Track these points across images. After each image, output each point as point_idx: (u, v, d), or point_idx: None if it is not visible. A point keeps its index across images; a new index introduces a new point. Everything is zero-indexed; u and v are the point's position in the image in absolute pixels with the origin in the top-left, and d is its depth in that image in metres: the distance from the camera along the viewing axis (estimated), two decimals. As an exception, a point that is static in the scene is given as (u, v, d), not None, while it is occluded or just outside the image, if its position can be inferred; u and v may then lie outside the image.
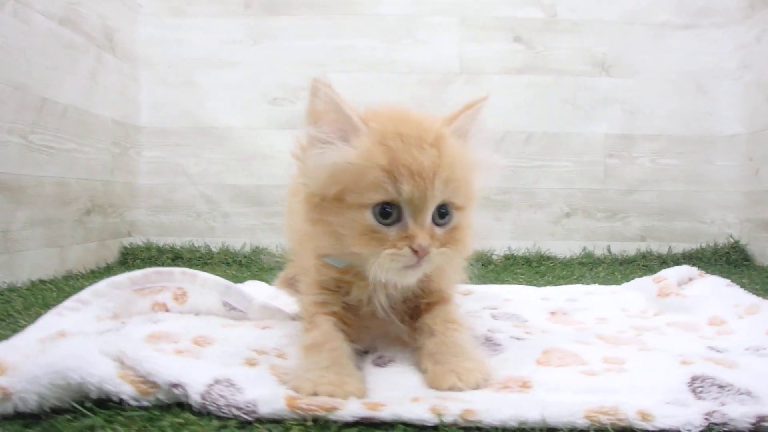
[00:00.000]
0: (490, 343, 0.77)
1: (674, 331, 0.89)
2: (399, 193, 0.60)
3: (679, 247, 1.92)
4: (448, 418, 0.51)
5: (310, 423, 0.52)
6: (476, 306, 1.05)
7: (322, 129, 0.63)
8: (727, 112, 1.90)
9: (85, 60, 1.61)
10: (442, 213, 0.64)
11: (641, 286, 1.17)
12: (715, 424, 0.52)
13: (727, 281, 1.13)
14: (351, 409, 0.53)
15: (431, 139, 0.63)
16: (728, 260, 1.88)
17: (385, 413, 0.52)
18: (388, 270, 0.61)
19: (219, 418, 0.54)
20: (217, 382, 0.56)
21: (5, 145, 1.28)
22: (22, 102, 1.33)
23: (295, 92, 1.91)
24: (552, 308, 1.04)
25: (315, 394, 0.56)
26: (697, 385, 0.58)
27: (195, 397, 0.54)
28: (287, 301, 1.01)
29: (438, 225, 0.64)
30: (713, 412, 0.53)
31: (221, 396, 0.54)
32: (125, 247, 1.87)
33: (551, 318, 0.98)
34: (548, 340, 0.76)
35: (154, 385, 0.56)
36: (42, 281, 1.37)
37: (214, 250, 1.91)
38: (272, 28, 1.91)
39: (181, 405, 0.56)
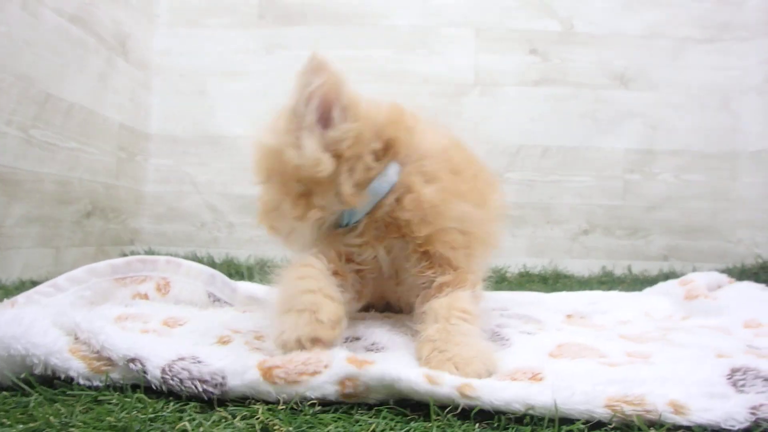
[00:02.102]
0: (497, 337, 0.69)
1: (705, 331, 0.80)
2: None
3: (704, 268, 1.81)
4: (443, 389, 0.44)
5: (281, 407, 0.45)
6: (484, 307, 0.96)
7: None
8: (752, 127, 1.83)
9: (94, 61, 1.61)
10: None
11: (666, 290, 1.08)
12: (764, 419, 0.44)
13: (762, 285, 1.04)
14: (336, 370, 0.46)
15: None
16: (757, 281, 1.76)
17: (374, 371, 0.46)
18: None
19: (177, 399, 0.47)
20: (181, 358, 0.50)
21: (3, 136, 1.26)
22: (25, 94, 1.32)
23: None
24: (569, 310, 0.96)
25: (298, 342, 0.52)
26: (738, 378, 0.50)
27: (154, 372, 0.48)
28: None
29: None
30: (761, 405, 0.45)
31: (184, 370, 0.47)
32: (125, 255, 1.82)
33: (567, 320, 0.90)
34: (563, 336, 0.68)
35: (109, 362, 0.50)
36: (33, 282, 1.32)
37: (217, 261, 1.86)
38: (286, 39, 1.91)
39: (136, 388, 0.49)
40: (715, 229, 1.84)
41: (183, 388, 0.47)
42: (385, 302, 0.85)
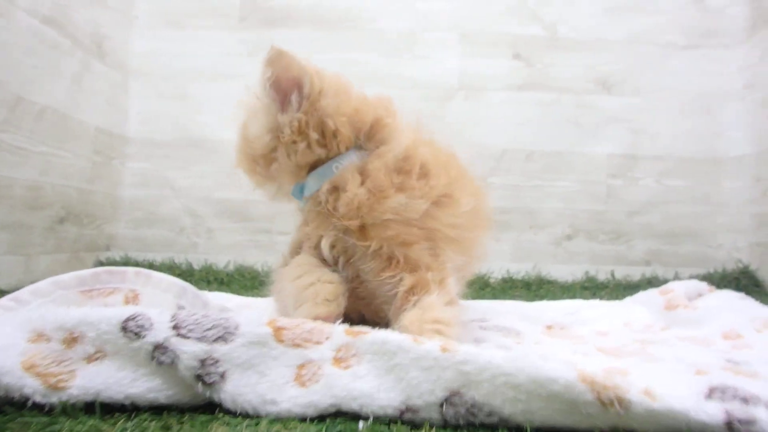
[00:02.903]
0: None
1: (685, 344, 0.79)
2: None
3: (686, 272, 1.83)
4: (426, 346, 0.48)
5: (238, 419, 0.44)
6: (462, 317, 0.95)
7: None
8: (734, 132, 1.85)
9: (69, 63, 1.58)
10: None
11: (646, 300, 1.08)
12: (739, 420, 0.43)
13: (741, 294, 1.04)
14: (335, 340, 0.51)
15: None
16: (738, 286, 1.78)
17: (367, 337, 0.50)
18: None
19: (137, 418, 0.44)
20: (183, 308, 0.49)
21: (-28, 140, 1.22)
22: (-5, 98, 1.28)
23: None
24: (548, 321, 0.95)
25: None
26: (717, 396, 0.49)
27: (160, 325, 0.48)
28: (259, 307, 0.92)
29: None
30: (734, 410, 0.44)
31: (196, 322, 0.48)
32: (101, 262, 1.79)
33: (547, 331, 0.89)
34: (541, 350, 0.67)
35: (68, 375, 0.47)
36: (2, 291, 1.28)
37: (195, 267, 1.83)
38: (269, 41, 1.87)
39: (91, 410, 0.47)
40: (696, 234, 1.86)
41: (190, 337, 0.46)
42: (361, 314, 0.83)
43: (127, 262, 1.81)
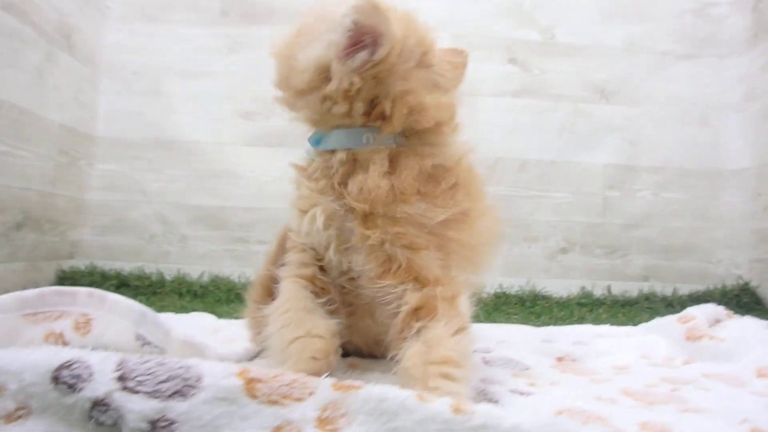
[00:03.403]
0: (483, 398, 0.60)
1: (717, 385, 0.71)
2: None
3: (684, 288, 1.77)
4: (435, 405, 0.40)
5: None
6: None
7: None
8: (734, 144, 1.80)
9: (31, 55, 1.45)
10: None
11: (663, 328, 0.99)
12: None
13: (765, 322, 0.96)
14: (320, 396, 0.42)
15: None
16: (739, 303, 1.73)
17: (361, 393, 0.42)
18: None
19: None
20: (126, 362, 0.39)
21: None
22: (-60, 89, 1.15)
23: (270, 106, 1.76)
24: (558, 353, 0.86)
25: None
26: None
27: (101, 377, 0.38)
28: (230, 336, 0.81)
29: None
30: None
31: (148, 373, 0.38)
32: (63, 271, 1.65)
33: (558, 365, 0.80)
34: (561, 396, 0.58)
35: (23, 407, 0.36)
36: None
37: (167, 277, 1.70)
38: (250, 38, 1.78)
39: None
40: (695, 248, 1.80)
41: (151, 389, 0.36)
42: (356, 346, 0.73)
43: (92, 272, 1.68)
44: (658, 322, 1.05)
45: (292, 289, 0.63)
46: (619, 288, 1.76)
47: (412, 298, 0.57)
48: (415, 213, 0.59)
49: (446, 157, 0.64)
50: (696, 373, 0.77)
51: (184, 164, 1.74)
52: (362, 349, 0.74)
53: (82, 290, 0.70)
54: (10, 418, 0.38)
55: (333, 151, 0.63)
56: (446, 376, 0.51)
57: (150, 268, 1.71)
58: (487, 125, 1.78)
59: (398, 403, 0.40)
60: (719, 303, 1.70)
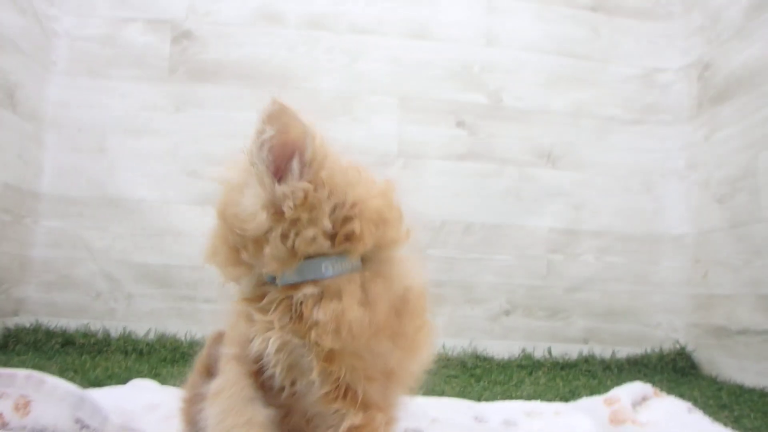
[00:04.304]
0: None
1: None
2: None
3: (623, 351, 1.85)
4: None
5: None
6: None
7: None
8: (674, 211, 1.88)
9: (-29, 121, 1.47)
10: None
11: (590, 409, 1.06)
12: None
13: (688, 405, 1.05)
14: None
15: None
16: (675, 368, 1.82)
17: None
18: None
19: None
20: None
21: None
22: None
23: (215, 165, 1.79)
24: None
25: None
26: None
27: None
28: (169, 412, 0.84)
29: None
30: None
31: None
32: (8, 329, 1.70)
33: None
34: None
35: None
36: None
37: (113, 335, 1.75)
38: (197, 97, 1.82)
39: None
40: (634, 312, 1.87)
41: None
42: None
43: (37, 329, 1.72)
44: (586, 402, 1.12)
45: (232, 375, 0.63)
46: (559, 350, 1.83)
47: (356, 419, 0.61)
48: (384, 351, 0.61)
49: (411, 276, 0.64)
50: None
51: (129, 222, 1.78)
52: None
53: (21, 372, 0.76)
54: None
55: (295, 286, 0.61)
56: None
57: (96, 325, 1.76)
58: (433, 188, 1.84)
59: None
60: (656, 367, 1.80)
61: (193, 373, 0.78)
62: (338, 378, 0.60)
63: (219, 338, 0.72)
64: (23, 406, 0.75)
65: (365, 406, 0.61)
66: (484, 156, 1.86)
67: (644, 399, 1.13)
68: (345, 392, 0.61)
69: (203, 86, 1.82)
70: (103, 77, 1.81)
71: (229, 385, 0.62)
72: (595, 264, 1.88)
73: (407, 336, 0.63)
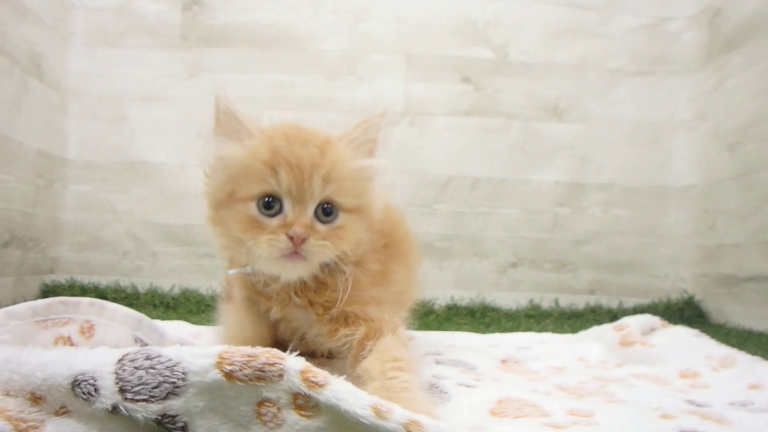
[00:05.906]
0: (435, 390, 0.75)
1: (643, 383, 0.87)
2: (279, 185, 0.71)
3: (630, 302, 1.94)
4: (390, 425, 0.46)
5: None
6: (417, 352, 1.04)
7: (221, 137, 0.77)
8: (681, 163, 1.95)
9: (7, 83, 1.70)
10: (327, 211, 0.74)
11: (600, 335, 1.17)
12: None
13: (696, 331, 1.13)
14: (290, 380, 0.49)
15: (317, 141, 0.74)
16: (682, 317, 1.92)
17: (328, 392, 0.48)
18: (268, 257, 0.71)
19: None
20: (127, 356, 0.51)
21: None
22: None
23: None
24: (502, 356, 1.05)
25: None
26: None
27: (106, 382, 0.49)
28: (211, 340, 0.99)
29: (322, 222, 0.74)
30: None
31: (133, 374, 0.49)
32: (46, 285, 1.91)
33: (502, 366, 0.99)
34: (501, 389, 0.74)
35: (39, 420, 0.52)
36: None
37: (140, 290, 1.95)
38: (209, 62, 1.94)
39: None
40: (642, 264, 1.96)
41: (147, 396, 0.48)
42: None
43: (72, 286, 1.93)
44: (596, 330, 1.23)
45: (244, 310, 0.84)
46: (566, 301, 1.94)
47: (363, 329, 0.73)
48: (377, 298, 0.79)
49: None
50: (625, 373, 0.92)
51: (148, 185, 1.95)
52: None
53: (84, 300, 0.89)
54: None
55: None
56: (399, 368, 0.63)
57: (125, 281, 1.95)
58: (439, 145, 1.93)
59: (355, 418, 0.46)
60: (664, 316, 1.90)
61: (222, 299, 1.02)
62: (338, 315, 0.75)
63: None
64: (88, 329, 0.83)
65: (366, 321, 0.74)
66: (490, 111, 1.94)
67: (652, 329, 1.22)
68: (347, 320, 0.77)
69: (214, 51, 1.96)
70: (118, 47, 1.97)
71: (238, 306, 0.84)
72: (602, 217, 1.96)
73: (395, 246, 0.81)
